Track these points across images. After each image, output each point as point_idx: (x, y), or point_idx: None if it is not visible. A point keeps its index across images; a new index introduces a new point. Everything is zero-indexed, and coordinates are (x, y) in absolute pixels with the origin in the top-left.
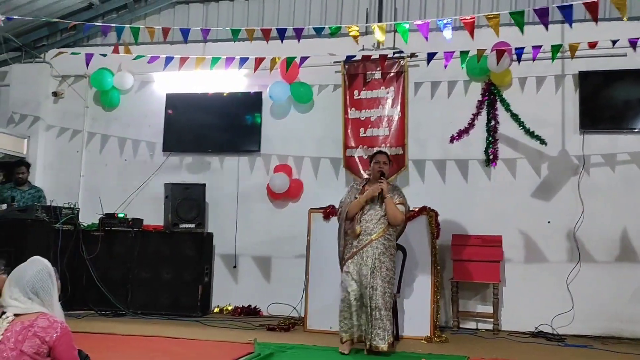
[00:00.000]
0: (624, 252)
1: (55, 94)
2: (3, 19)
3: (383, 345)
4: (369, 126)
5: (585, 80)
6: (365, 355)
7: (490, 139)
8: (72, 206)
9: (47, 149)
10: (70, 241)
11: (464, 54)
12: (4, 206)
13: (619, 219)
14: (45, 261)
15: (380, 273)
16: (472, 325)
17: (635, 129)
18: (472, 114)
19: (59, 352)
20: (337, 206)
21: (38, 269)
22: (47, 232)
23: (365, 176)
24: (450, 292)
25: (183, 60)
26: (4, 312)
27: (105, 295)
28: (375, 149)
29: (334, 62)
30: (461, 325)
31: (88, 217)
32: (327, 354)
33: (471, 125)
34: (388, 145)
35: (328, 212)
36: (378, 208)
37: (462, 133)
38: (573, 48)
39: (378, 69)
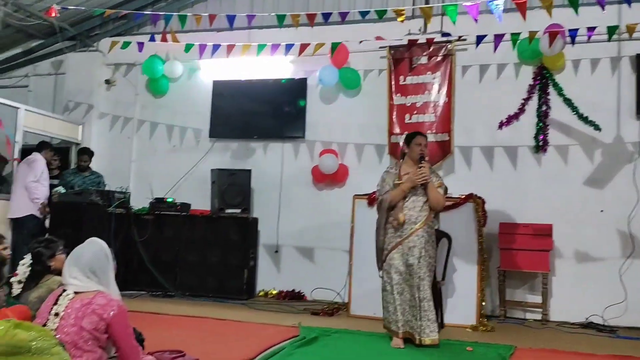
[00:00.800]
0: None
1: (107, 82)
2: (59, 9)
3: (434, 337)
4: (415, 112)
5: None
6: (414, 348)
7: (540, 124)
8: (123, 190)
9: (100, 135)
10: (123, 224)
11: (515, 36)
12: (62, 189)
13: None
14: (103, 243)
15: (427, 262)
16: (519, 314)
17: None
18: (523, 99)
19: (115, 329)
20: None
21: (96, 249)
22: (101, 215)
23: None
24: (497, 281)
25: (230, 47)
26: (64, 290)
27: (155, 277)
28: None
29: (380, 47)
30: (508, 315)
31: (139, 201)
32: (372, 339)
33: (521, 110)
34: (434, 131)
35: (372, 199)
36: (420, 194)
37: (511, 119)
38: (631, 29)
39: (424, 53)
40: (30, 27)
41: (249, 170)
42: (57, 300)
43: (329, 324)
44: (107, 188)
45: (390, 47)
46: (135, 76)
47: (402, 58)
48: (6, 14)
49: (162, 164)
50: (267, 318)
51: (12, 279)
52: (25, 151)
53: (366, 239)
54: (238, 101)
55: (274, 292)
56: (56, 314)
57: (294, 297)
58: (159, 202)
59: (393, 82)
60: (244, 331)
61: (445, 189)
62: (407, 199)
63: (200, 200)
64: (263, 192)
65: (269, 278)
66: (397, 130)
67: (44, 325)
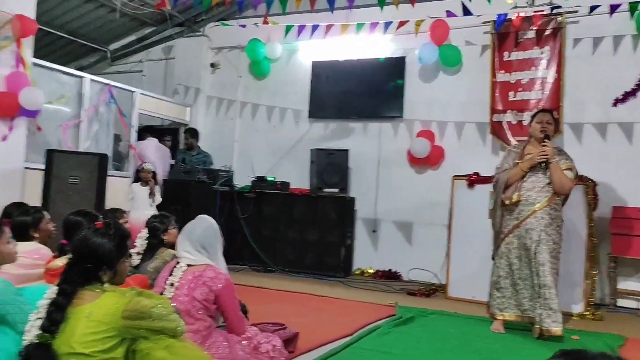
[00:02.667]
0: None
1: (212, 65)
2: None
3: (557, 329)
4: (520, 89)
5: None
6: (515, 333)
7: None
8: (227, 169)
9: (206, 116)
10: (227, 201)
11: (633, 4)
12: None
13: None
14: (212, 219)
15: (548, 247)
16: (632, 304)
17: None
18: None
19: (223, 300)
20: (481, 174)
21: (206, 226)
22: (207, 192)
23: (514, 142)
24: (607, 268)
25: (328, 27)
26: (178, 262)
27: (256, 252)
28: (535, 110)
29: (483, 22)
30: (619, 304)
31: (241, 180)
32: (470, 322)
33: (639, 86)
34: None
35: (472, 180)
36: (541, 175)
37: (628, 95)
38: None
39: (532, 27)
40: (144, 15)
41: (347, 150)
42: (171, 271)
43: (425, 305)
44: (212, 167)
45: (494, 22)
46: (238, 59)
47: (507, 33)
48: (123, 4)
49: (263, 144)
50: (364, 296)
51: (131, 251)
52: (140, 133)
53: (466, 221)
54: (336, 81)
55: (371, 271)
56: (171, 284)
57: (390, 276)
58: (260, 181)
59: (497, 58)
60: (341, 308)
61: (576, 173)
62: (525, 179)
63: (300, 179)
64: (360, 171)
65: (366, 257)
66: (500, 107)
67: (161, 294)
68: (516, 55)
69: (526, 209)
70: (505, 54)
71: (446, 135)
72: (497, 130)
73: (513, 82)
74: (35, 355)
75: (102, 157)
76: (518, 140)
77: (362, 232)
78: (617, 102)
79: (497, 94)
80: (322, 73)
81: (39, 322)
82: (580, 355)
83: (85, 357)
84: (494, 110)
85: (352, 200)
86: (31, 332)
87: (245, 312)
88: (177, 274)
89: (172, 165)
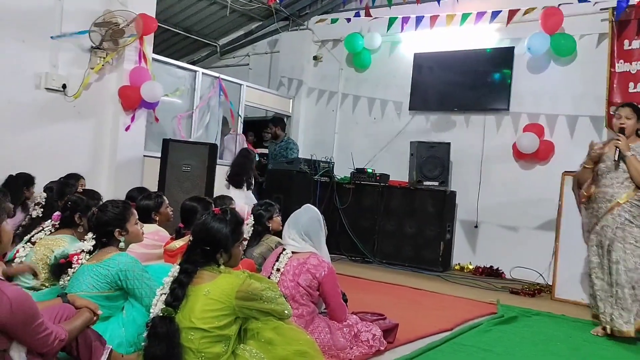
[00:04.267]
0: None
1: (315, 58)
2: None
3: (625, 329)
4: None
5: None
6: (607, 340)
7: None
8: (328, 160)
9: (307, 108)
10: (326, 191)
11: None
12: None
13: None
14: (316, 209)
15: (624, 245)
16: None
17: None
18: None
19: (325, 287)
20: None
21: (310, 215)
22: (308, 182)
23: None
24: None
25: (434, 18)
26: (284, 249)
27: (355, 243)
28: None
29: (601, 9)
30: None
31: (341, 171)
32: (576, 326)
33: None
34: None
35: None
36: (620, 170)
37: None
38: None
39: None
40: (251, 11)
41: (448, 143)
42: (278, 257)
43: (529, 305)
44: (314, 158)
45: (614, 9)
46: (340, 52)
47: (627, 20)
48: (233, 1)
49: (363, 136)
50: (463, 292)
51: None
52: (246, 124)
53: (576, 219)
54: (439, 73)
55: (471, 266)
56: (277, 270)
57: (491, 273)
58: (359, 172)
59: (615, 47)
60: (440, 302)
61: None
62: (603, 175)
63: (399, 172)
64: (462, 165)
65: (466, 252)
66: (618, 100)
67: (268, 278)
68: (638, 43)
69: (604, 206)
70: (626, 42)
71: (556, 129)
72: (614, 124)
73: (634, 72)
74: (160, 326)
75: (212, 147)
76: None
77: (462, 227)
78: None
79: (615, 85)
80: (424, 64)
81: (164, 297)
82: None
83: (203, 332)
84: (610, 103)
85: (453, 194)
86: (157, 306)
87: (345, 300)
88: (283, 260)
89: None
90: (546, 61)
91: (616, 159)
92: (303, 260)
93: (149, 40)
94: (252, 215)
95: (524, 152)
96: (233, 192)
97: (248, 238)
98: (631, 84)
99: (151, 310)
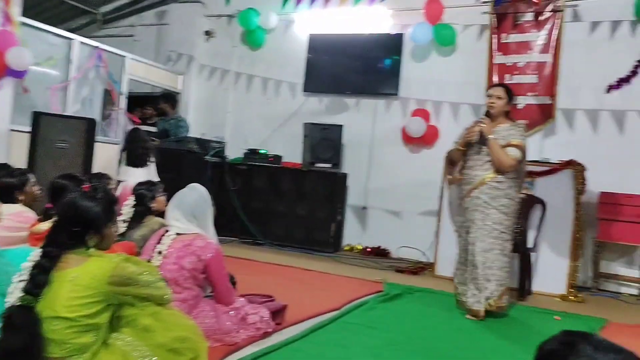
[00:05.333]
0: None
1: (207, 33)
2: None
3: (475, 308)
4: (515, 72)
5: None
6: (465, 318)
7: None
8: (219, 140)
9: (199, 85)
10: (217, 172)
11: None
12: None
13: None
14: (204, 188)
15: (483, 226)
16: (613, 288)
17: None
18: (637, 61)
19: (212, 270)
20: None
21: (197, 194)
22: (198, 162)
23: None
24: (592, 252)
25: None
26: (167, 231)
27: (246, 225)
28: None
29: (482, 2)
30: (601, 287)
31: (234, 152)
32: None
33: (634, 73)
34: (536, 93)
35: None
36: (483, 152)
37: (622, 82)
38: None
39: (530, 9)
40: None
41: (341, 126)
42: (160, 239)
43: (413, 282)
44: (205, 137)
45: (494, 2)
46: (233, 28)
47: (505, 14)
48: None
49: (257, 116)
50: (352, 272)
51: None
52: (129, 99)
53: None
54: (333, 56)
55: (360, 247)
56: (159, 252)
57: (379, 253)
58: (252, 153)
59: (495, 40)
60: (329, 283)
61: (522, 152)
62: (469, 158)
63: (292, 153)
64: (354, 148)
65: (356, 233)
66: None
67: (148, 261)
68: (514, 37)
69: (466, 187)
70: (504, 35)
71: (442, 114)
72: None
73: (510, 64)
74: (17, 317)
75: (91, 122)
76: None
77: (353, 209)
78: (610, 88)
79: (494, 76)
80: (319, 47)
81: (22, 285)
82: (581, 336)
83: (69, 321)
84: None
85: (344, 176)
86: (14, 294)
87: (233, 283)
88: (165, 242)
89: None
90: (429, 50)
91: (479, 141)
92: (188, 242)
93: (17, 0)
94: (132, 195)
95: (412, 136)
96: (135, 172)
97: (129, 220)
98: (507, 76)
99: (6, 300)
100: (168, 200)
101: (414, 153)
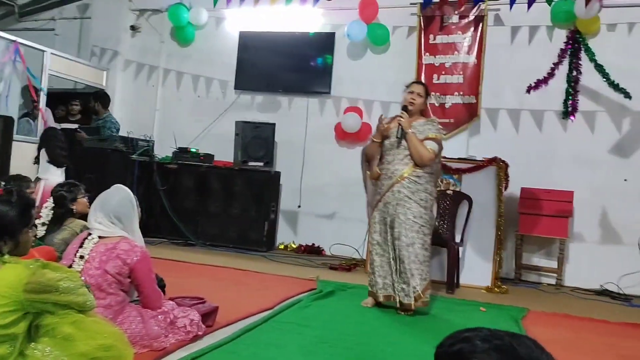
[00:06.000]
0: None
1: (133, 28)
2: None
3: (406, 302)
4: (443, 73)
5: None
6: (397, 313)
7: (570, 90)
8: (147, 139)
9: (124, 82)
10: (146, 172)
11: None
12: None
13: None
14: (128, 190)
15: (405, 221)
16: (534, 278)
17: None
18: (553, 63)
19: (138, 274)
20: None
21: (121, 196)
22: (125, 162)
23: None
24: (515, 245)
25: None
26: (89, 234)
27: (176, 225)
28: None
29: (411, 4)
30: (523, 278)
31: (162, 150)
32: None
33: (551, 75)
34: (461, 93)
35: None
36: (402, 147)
37: (540, 83)
38: None
39: (456, 12)
40: None
41: (273, 124)
42: (82, 243)
43: (346, 279)
44: (131, 135)
45: (422, 4)
46: (160, 23)
47: (432, 16)
48: None
49: (187, 114)
50: (286, 270)
51: (36, 222)
52: (51, 96)
53: None
54: (264, 53)
55: (294, 245)
56: (81, 257)
57: (312, 251)
58: (182, 152)
59: (423, 41)
60: (263, 282)
61: (439, 145)
62: (387, 152)
63: (224, 152)
64: (287, 146)
65: (289, 232)
66: None
67: (70, 267)
68: (441, 38)
69: (386, 182)
70: (431, 36)
71: (373, 114)
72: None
73: (437, 65)
74: None
75: (7, 120)
76: (440, 123)
77: (286, 207)
78: (529, 89)
79: (422, 76)
80: (250, 44)
81: None
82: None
83: None
84: None
85: (278, 175)
86: None
87: (162, 286)
88: (87, 246)
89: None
90: (364, 49)
91: (398, 136)
92: (112, 246)
93: None
94: (51, 196)
95: (348, 132)
96: (57, 171)
97: (47, 223)
98: (435, 76)
99: None
100: (91, 201)
101: (347, 150)
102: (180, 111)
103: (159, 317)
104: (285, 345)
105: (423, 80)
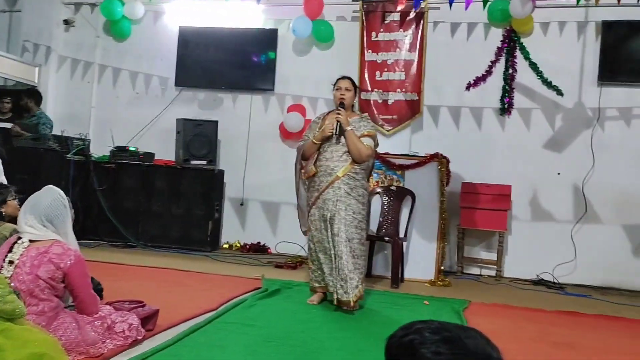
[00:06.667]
0: (631, 207)
1: (66, 22)
2: None
3: (346, 299)
4: (385, 70)
5: (609, 30)
6: (338, 309)
7: (506, 87)
8: (83, 137)
9: (58, 79)
10: (82, 172)
11: None
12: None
13: (629, 174)
14: (60, 190)
15: (345, 217)
16: (475, 271)
17: None
18: (490, 61)
19: (72, 279)
20: None
21: (53, 197)
22: (59, 161)
23: (380, 120)
24: (457, 239)
25: None
26: (19, 238)
27: (116, 227)
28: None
29: (353, 1)
30: (465, 271)
31: (99, 149)
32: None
33: (488, 72)
34: (403, 90)
35: None
36: (340, 143)
37: (478, 80)
38: None
39: (397, 10)
40: None
41: (216, 122)
42: (11, 248)
43: (291, 277)
44: (65, 134)
45: (363, 2)
46: (95, 17)
47: (374, 13)
48: None
49: (125, 112)
50: (231, 270)
51: None
52: None
53: None
54: (206, 49)
55: (239, 244)
56: (10, 262)
57: (258, 250)
58: (120, 151)
59: (365, 38)
60: (206, 282)
61: (375, 141)
62: (324, 149)
63: (165, 151)
64: (230, 144)
65: (234, 231)
66: (368, 87)
67: None
68: (383, 36)
69: (325, 179)
70: (373, 34)
71: (318, 111)
72: (365, 108)
73: (380, 62)
74: None
75: None
76: (383, 119)
77: (231, 206)
78: (469, 86)
79: (365, 73)
80: (191, 39)
81: None
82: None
83: None
84: (362, 89)
85: (221, 173)
86: None
87: (99, 290)
88: (17, 251)
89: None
90: (309, 45)
91: (337, 133)
92: (44, 250)
93: None
94: None
95: (290, 131)
96: None
97: None
98: (378, 73)
99: None
100: (21, 204)
101: (292, 148)
102: (118, 109)
103: (96, 322)
104: (230, 345)
105: (366, 77)
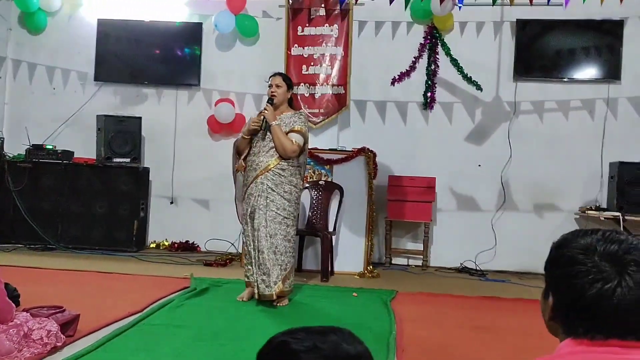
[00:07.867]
0: (546, 196)
1: None
2: None
3: (267, 293)
4: (312, 64)
5: (523, 28)
6: (261, 303)
7: (429, 82)
8: None
9: None
10: None
11: None
12: None
13: (543, 165)
14: None
15: (267, 212)
16: (403, 261)
17: (564, 78)
18: (414, 57)
19: None
20: None
21: None
22: None
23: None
24: (384, 231)
25: None
26: None
27: (33, 229)
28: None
29: None
30: (393, 262)
31: (14, 148)
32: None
33: (412, 68)
34: (330, 84)
35: None
36: (267, 139)
37: (403, 75)
38: None
39: (322, 5)
40: None
41: (140, 118)
42: None
43: (221, 275)
44: None
45: None
46: (7, 9)
47: (300, 8)
48: None
49: (42, 108)
50: (158, 270)
51: None
52: None
53: None
54: (127, 43)
55: (166, 243)
56: None
57: (187, 248)
58: (37, 149)
59: (291, 32)
60: (132, 284)
61: (304, 137)
62: (254, 145)
63: (85, 149)
64: (156, 140)
65: (162, 229)
66: (294, 81)
67: None
68: (309, 30)
69: (251, 174)
70: (299, 28)
71: (245, 106)
72: (292, 102)
73: (306, 56)
74: None
75: None
76: (311, 113)
77: (158, 204)
78: (394, 81)
79: (291, 67)
80: (111, 33)
81: None
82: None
83: None
84: None
85: (146, 170)
86: None
87: (15, 297)
88: None
89: None
90: (233, 40)
91: (263, 128)
92: None
93: None
94: None
95: (221, 122)
96: None
97: None
98: (304, 67)
99: None
100: None
101: (221, 142)
102: (33, 106)
103: (11, 330)
104: (156, 348)
105: (292, 71)
